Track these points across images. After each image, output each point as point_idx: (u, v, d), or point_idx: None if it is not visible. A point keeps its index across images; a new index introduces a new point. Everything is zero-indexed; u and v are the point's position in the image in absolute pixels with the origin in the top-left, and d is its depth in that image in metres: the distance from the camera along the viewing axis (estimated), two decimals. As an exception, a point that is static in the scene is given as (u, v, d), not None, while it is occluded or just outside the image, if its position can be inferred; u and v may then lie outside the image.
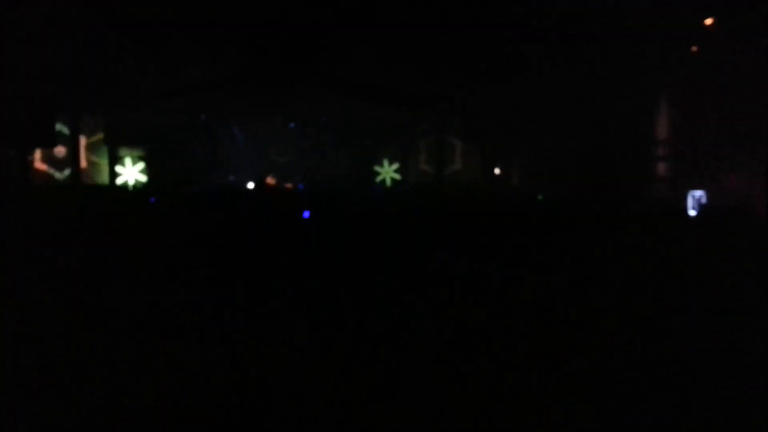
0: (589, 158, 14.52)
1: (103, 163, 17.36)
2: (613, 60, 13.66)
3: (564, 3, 13.32)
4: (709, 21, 12.94)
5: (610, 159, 14.25)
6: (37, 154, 17.21)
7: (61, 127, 16.12)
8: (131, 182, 17.23)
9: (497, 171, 17.44)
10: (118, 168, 17.19)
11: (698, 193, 12.75)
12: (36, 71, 13.65)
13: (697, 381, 3.65)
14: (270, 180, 18.26)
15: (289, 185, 18.08)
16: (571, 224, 8.61)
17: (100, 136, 17.32)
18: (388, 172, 18.97)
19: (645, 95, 14.69)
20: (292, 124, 19.14)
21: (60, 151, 16.93)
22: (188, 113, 17.80)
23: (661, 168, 15.07)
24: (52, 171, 17.43)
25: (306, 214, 8.26)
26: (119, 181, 17.18)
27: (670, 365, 3.89)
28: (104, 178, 17.30)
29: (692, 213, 12.28)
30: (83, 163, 16.99)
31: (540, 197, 13.89)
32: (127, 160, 17.37)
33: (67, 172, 16.98)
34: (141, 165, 17.42)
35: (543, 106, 14.90)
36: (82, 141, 16.96)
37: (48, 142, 15.22)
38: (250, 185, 17.81)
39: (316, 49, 16.16)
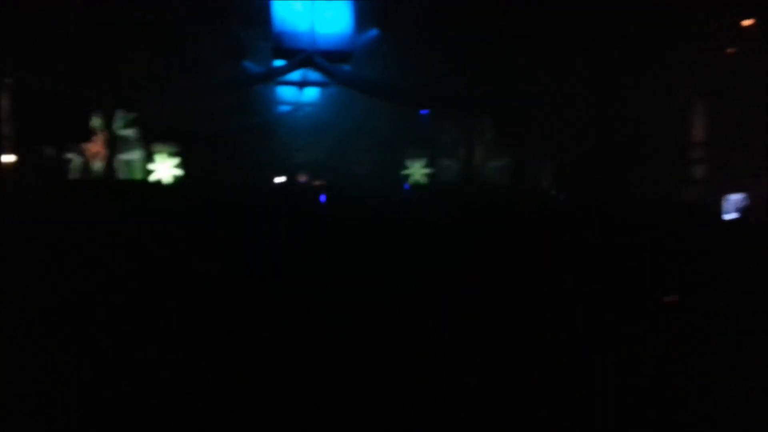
0: (621, 159, 14.33)
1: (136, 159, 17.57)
2: (649, 59, 13.46)
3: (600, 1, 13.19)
4: (747, 22, 12.70)
5: (643, 160, 14.05)
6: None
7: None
8: (161, 179, 17.35)
9: (528, 171, 17.28)
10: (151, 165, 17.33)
11: (735, 197, 12.48)
12: (71, 68, 13.88)
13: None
14: (300, 178, 18.34)
15: (317, 183, 18.12)
16: (595, 226, 8.49)
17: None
18: (418, 171, 18.87)
19: (682, 95, 14.45)
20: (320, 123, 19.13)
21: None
22: (222, 110, 17.89)
23: (697, 170, 14.80)
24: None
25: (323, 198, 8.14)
26: (153, 177, 17.31)
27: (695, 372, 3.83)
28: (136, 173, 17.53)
29: (729, 217, 12.02)
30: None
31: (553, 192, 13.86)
32: (161, 157, 17.48)
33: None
34: (175, 161, 17.50)
35: (576, 107, 14.75)
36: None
37: (82, 137, 15.48)
38: (279, 181, 17.85)
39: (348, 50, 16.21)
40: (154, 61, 15.57)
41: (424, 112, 18.04)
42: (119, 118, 17.25)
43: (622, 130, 14.42)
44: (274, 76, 17.74)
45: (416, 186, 18.26)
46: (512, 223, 8.80)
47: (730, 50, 13.29)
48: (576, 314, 4.89)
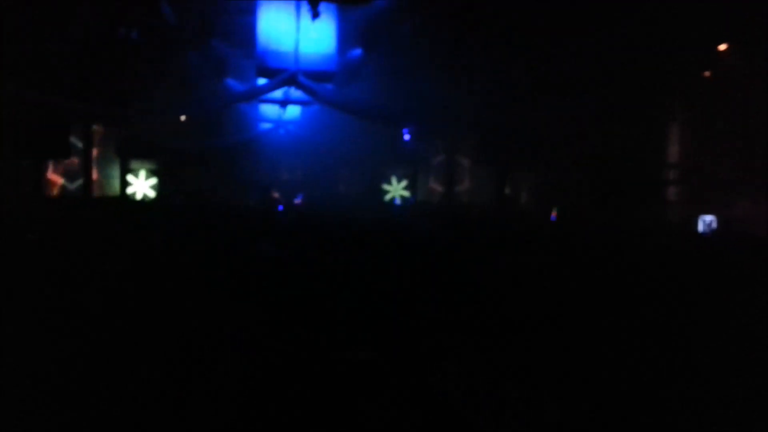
0: (598, 180, 14.52)
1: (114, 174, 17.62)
2: (625, 83, 13.69)
3: (577, 27, 13.41)
4: (722, 47, 12.99)
5: (620, 181, 14.25)
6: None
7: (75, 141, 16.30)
8: (141, 194, 17.25)
9: (507, 190, 17.45)
10: (129, 180, 17.29)
11: (708, 218, 12.70)
12: (51, 83, 13.81)
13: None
14: (275, 195, 18.30)
15: (297, 201, 18.12)
16: (579, 243, 8.59)
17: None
18: (397, 189, 18.94)
19: (657, 119, 14.71)
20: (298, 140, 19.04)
21: (73, 162, 17.16)
22: (204, 128, 17.83)
23: (671, 192, 15.05)
24: (64, 182, 17.82)
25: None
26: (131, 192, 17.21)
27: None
28: (114, 189, 17.51)
29: (703, 235, 12.24)
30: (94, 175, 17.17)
31: (555, 208, 14.10)
32: (140, 173, 17.42)
33: (78, 182, 17.20)
34: (152, 178, 17.45)
35: (554, 129, 14.93)
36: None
37: (63, 153, 15.42)
38: (254, 198, 17.80)
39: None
40: (137, 79, 15.54)
41: (406, 131, 18.12)
42: (100, 134, 17.25)
43: (604, 152, 14.62)
44: (257, 95, 17.76)
45: (401, 203, 18.32)
46: (495, 239, 8.89)
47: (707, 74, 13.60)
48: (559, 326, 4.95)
